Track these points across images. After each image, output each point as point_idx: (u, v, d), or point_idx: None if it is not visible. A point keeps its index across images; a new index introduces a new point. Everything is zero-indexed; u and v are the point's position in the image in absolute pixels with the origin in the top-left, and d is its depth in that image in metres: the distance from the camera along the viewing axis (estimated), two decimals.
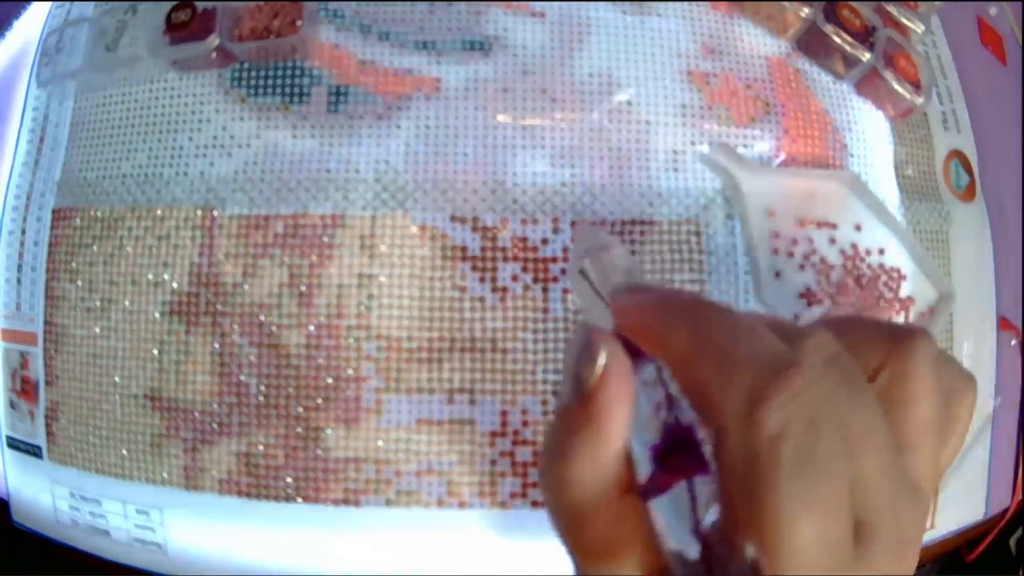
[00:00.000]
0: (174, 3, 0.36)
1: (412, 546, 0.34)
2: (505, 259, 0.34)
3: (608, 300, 0.18)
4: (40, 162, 0.39)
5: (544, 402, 0.33)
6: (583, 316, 0.24)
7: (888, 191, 0.38)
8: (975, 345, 0.40)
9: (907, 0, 0.42)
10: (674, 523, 0.15)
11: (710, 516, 0.15)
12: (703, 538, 0.15)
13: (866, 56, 0.37)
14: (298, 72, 0.36)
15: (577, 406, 0.16)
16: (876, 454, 0.14)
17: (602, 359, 0.16)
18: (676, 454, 0.16)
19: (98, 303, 0.36)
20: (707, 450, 0.15)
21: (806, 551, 0.13)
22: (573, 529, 0.16)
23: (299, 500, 0.34)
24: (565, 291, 0.34)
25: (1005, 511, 0.42)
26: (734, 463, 0.14)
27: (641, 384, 0.16)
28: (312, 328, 0.34)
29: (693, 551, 0.15)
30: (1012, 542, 0.45)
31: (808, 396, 0.14)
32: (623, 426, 0.16)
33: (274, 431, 0.34)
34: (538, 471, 0.16)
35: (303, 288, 0.34)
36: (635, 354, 0.17)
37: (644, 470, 0.16)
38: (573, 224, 0.34)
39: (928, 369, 0.16)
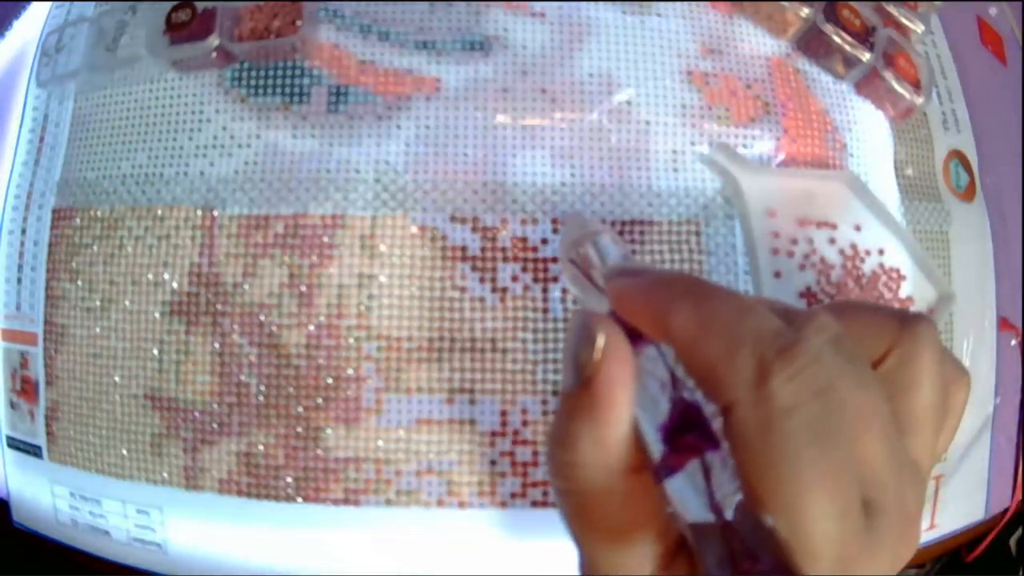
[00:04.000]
0: (174, 3, 0.36)
1: (412, 546, 0.34)
2: (505, 259, 0.34)
3: (602, 286, 0.18)
4: (40, 162, 0.39)
5: (544, 402, 0.33)
6: (579, 304, 0.24)
7: (888, 191, 0.38)
8: (975, 345, 0.40)
9: (907, 0, 0.42)
10: (690, 499, 0.15)
11: (725, 490, 0.15)
12: (720, 511, 0.15)
13: (866, 56, 0.37)
14: (298, 72, 0.36)
15: (578, 391, 0.16)
16: (880, 433, 0.15)
17: (600, 341, 0.16)
18: (686, 433, 0.16)
19: (98, 303, 0.36)
20: (717, 426, 0.15)
21: (822, 520, 0.14)
22: (581, 514, 0.16)
23: (299, 500, 0.34)
24: (565, 291, 0.34)
25: (1005, 511, 0.42)
26: (746, 435, 0.14)
27: (644, 365, 0.17)
28: (312, 328, 0.34)
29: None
30: (1012, 542, 0.45)
31: (814, 370, 0.14)
32: (626, 408, 0.16)
33: (274, 431, 0.34)
34: (546, 458, 0.17)
35: (303, 288, 0.34)
36: (635, 337, 0.17)
37: (656, 450, 0.16)
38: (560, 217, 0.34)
39: (933, 354, 0.17)
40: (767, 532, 0.14)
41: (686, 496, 0.15)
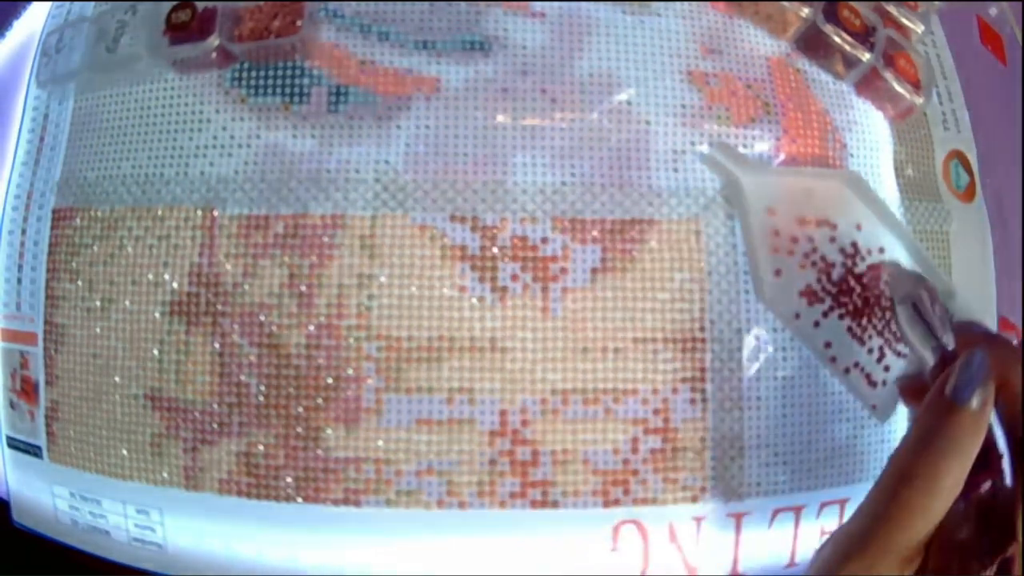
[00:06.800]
0: (174, 3, 0.36)
1: (412, 546, 0.34)
2: (505, 259, 0.34)
3: (942, 333, 0.25)
4: (40, 162, 0.39)
5: (544, 401, 0.33)
6: (913, 351, 0.29)
7: (888, 191, 0.38)
8: None
9: (907, 0, 0.42)
10: None
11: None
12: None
13: (866, 56, 0.37)
14: (298, 72, 0.36)
15: (973, 413, 0.21)
16: None
17: (992, 385, 0.22)
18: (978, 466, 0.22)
19: (98, 303, 0.36)
20: (1005, 463, 0.22)
21: None
22: (925, 519, 0.21)
23: (299, 500, 0.34)
24: (565, 291, 0.34)
25: None
26: None
27: None
28: (312, 328, 0.34)
29: None
30: None
31: None
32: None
33: (274, 431, 0.34)
34: (909, 462, 0.22)
35: (303, 288, 0.34)
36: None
37: None
38: (883, 269, 0.36)
39: None
40: None
41: None
